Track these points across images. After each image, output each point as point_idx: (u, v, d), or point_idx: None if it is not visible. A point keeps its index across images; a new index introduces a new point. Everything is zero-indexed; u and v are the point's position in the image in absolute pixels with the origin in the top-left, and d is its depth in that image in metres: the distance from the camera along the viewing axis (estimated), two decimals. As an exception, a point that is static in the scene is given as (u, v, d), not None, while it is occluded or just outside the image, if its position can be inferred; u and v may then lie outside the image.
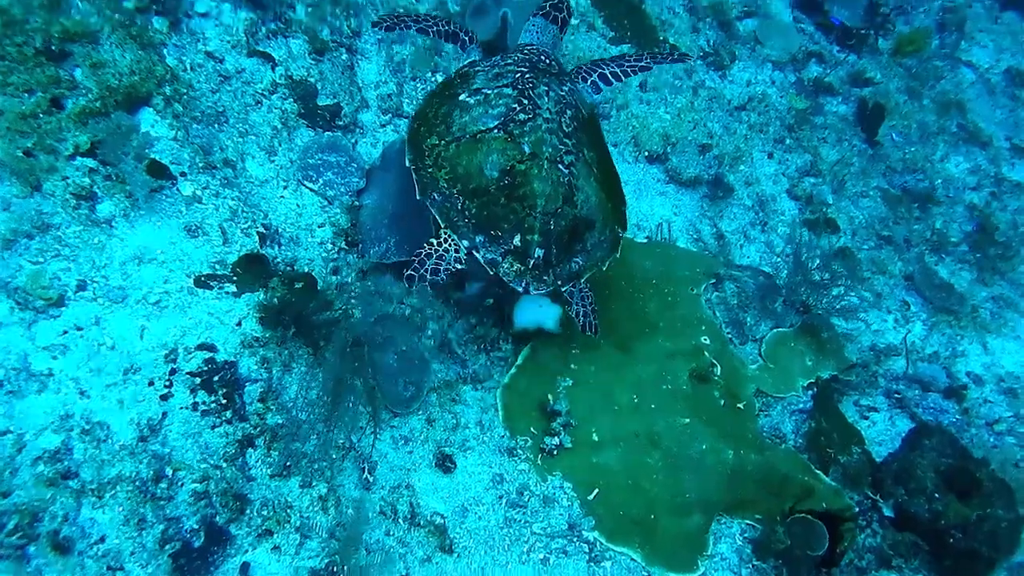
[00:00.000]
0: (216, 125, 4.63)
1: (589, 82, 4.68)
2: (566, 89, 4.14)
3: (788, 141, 7.10)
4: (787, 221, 6.65)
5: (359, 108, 5.38)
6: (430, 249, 3.78)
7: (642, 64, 4.84)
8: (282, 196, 4.69)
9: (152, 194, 4.07)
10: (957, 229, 7.12)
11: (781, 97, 7.39)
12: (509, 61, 4.24)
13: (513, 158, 3.71)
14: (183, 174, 4.28)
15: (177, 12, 4.77)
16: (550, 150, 3.76)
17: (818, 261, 5.66)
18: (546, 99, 3.93)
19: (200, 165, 4.37)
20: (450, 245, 3.78)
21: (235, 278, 4.08)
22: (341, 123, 5.22)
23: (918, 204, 7.14)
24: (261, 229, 4.39)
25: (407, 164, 3.95)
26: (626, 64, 4.79)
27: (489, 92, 3.93)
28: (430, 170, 3.81)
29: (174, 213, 4.15)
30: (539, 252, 3.71)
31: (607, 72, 4.73)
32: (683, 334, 5.08)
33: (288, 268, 4.43)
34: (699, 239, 6.22)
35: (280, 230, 4.56)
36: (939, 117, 8.07)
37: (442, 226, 3.78)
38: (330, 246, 4.71)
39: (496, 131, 3.76)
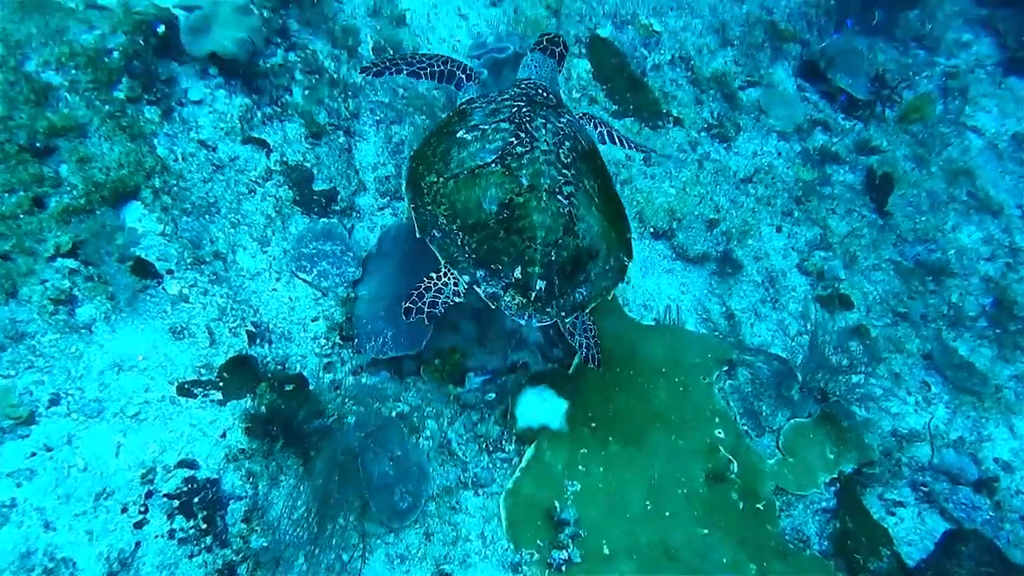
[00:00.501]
0: (207, 216, 4.43)
1: (596, 132, 4.78)
2: (564, 120, 4.08)
3: (796, 213, 6.91)
4: (799, 298, 6.41)
5: (356, 191, 5.19)
6: (429, 283, 3.66)
7: (634, 145, 5.05)
8: (274, 289, 4.46)
9: (136, 295, 3.84)
10: (974, 303, 6.87)
11: (788, 168, 7.23)
12: (506, 96, 4.19)
13: (511, 191, 3.64)
14: (170, 271, 4.05)
15: (170, 100, 4.61)
16: (548, 181, 3.68)
17: (834, 344, 5.40)
18: (543, 131, 3.88)
19: (188, 261, 4.15)
20: (449, 279, 3.69)
21: (221, 384, 3.82)
22: (338, 208, 5.03)
23: (932, 277, 6.91)
24: (251, 327, 4.15)
25: (406, 203, 3.88)
26: (624, 139, 4.96)
27: (486, 127, 3.88)
28: (429, 207, 3.73)
29: (158, 314, 3.91)
30: (541, 284, 3.61)
31: (614, 134, 4.89)
32: (697, 428, 4.79)
33: (279, 368, 4.18)
34: (708, 319, 5.97)
35: (271, 327, 4.31)
36: (948, 185, 7.90)
37: (442, 262, 3.69)
38: (324, 341, 4.46)
39: (493, 165, 3.70)
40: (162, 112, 4.51)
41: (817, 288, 6.51)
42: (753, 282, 6.35)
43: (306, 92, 5.29)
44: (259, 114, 4.98)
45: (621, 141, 4.88)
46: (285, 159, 4.93)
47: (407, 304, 3.60)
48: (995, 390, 6.15)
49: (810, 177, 7.15)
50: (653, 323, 5.68)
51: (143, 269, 3.91)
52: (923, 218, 7.44)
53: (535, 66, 4.70)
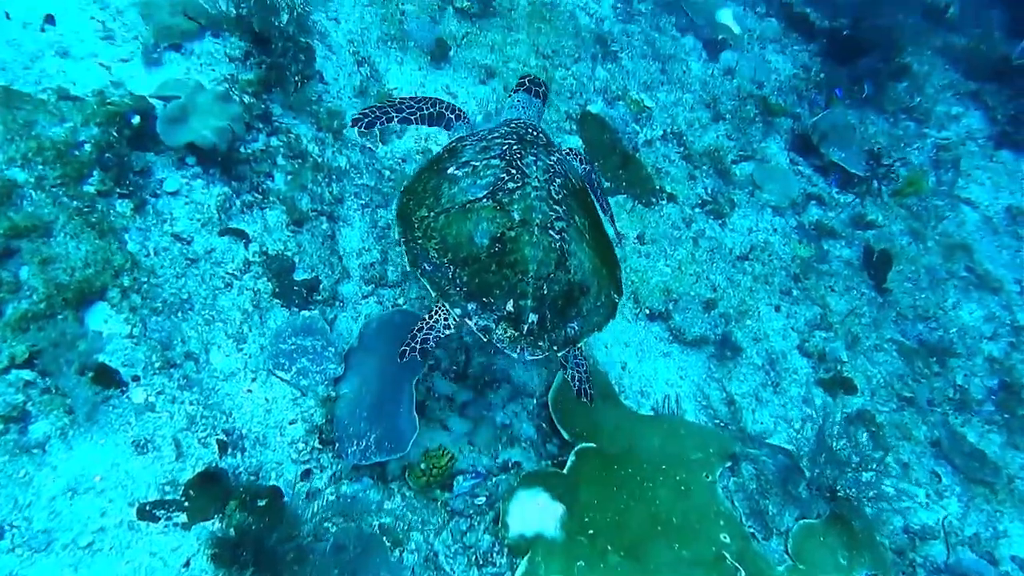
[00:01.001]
0: (179, 314, 4.17)
1: (583, 168, 4.68)
2: (554, 159, 4.07)
3: (795, 292, 6.71)
4: (801, 381, 6.16)
5: (340, 280, 4.96)
6: (421, 324, 3.67)
7: (606, 207, 4.82)
8: (249, 390, 4.18)
9: (97, 407, 3.56)
10: (980, 385, 6.64)
11: (784, 245, 7.07)
12: (496, 134, 4.18)
13: (503, 225, 3.61)
14: (136, 378, 3.78)
15: (144, 192, 4.41)
16: (540, 216, 3.65)
17: (844, 440, 5.14)
18: (534, 168, 3.87)
19: (156, 365, 3.87)
20: (439, 315, 3.67)
21: (186, 503, 3.51)
22: (320, 298, 4.79)
23: (936, 358, 6.69)
24: (222, 436, 3.86)
25: (396, 237, 3.86)
26: (602, 194, 4.80)
27: (477, 164, 3.87)
28: (420, 241, 3.69)
29: (121, 426, 3.62)
30: (533, 317, 3.55)
31: (590, 175, 4.72)
32: (700, 534, 4.47)
33: (252, 478, 3.87)
34: (708, 405, 5.71)
35: (245, 432, 4.02)
36: (946, 260, 7.76)
37: (433, 295, 3.64)
38: (302, 446, 4.16)
39: (485, 200, 3.67)
40: (135, 205, 4.30)
41: (819, 371, 6.28)
42: (753, 365, 6.11)
43: (288, 178, 5.11)
44: (238, 202, 4.77)
45: (596, 192, 4.71)
46: (265, 249, 4.71)
47: (401, 348, 3.60)
48: (1008, 481, 5.87)
49: (807, 254, 6.99)
50: (652, 412, 5.40)
51: (106, 377, 3.63)
52: (923, 295, 7.26)
53: (522, 107, 4.71)
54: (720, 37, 8.72)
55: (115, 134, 4.35)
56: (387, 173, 5.62)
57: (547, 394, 5.00)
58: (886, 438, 5.90)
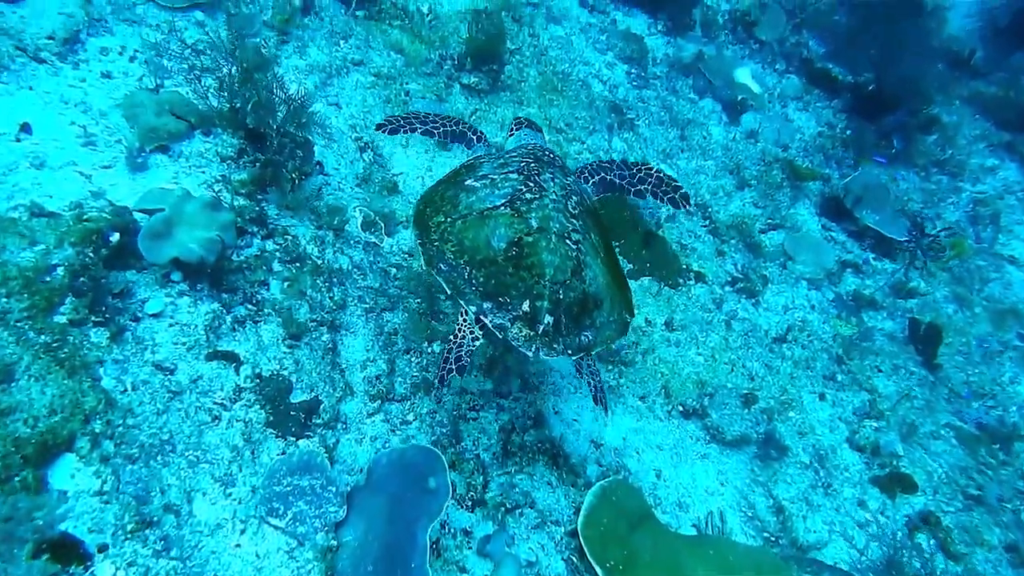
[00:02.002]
0: (159, 458, 3.67)
1: (590, 183, 4.64)
2: (570, 180, 4.16)
3: (840, 376, 6.12)
4: (854, 480, 5.54)
5: (342, 398, 4.45)
6: (450, 346, 3.67)
7: (640, 188, 4.69)
8: (237, 545, 3.65)
9: (55, 590, 3.02)
10: (1052, 474, 5.97)
11: (824, 322, 6.50)
12: (514, 154, 4.28)
13: (520, 231, 3.66)
14: (103, 548, 3.26)
15: (123, 317, 3.95)
16: (557, 226, 3.72)
17: (909, 552, 4.50)
18: (552, 184, 3.95)
19: (129, 527, 3.36)
20: (464, 330, 3.70)
21: None
22: (320, 421, 4.28)
23: (999, 444, 6.03)
24: (204, 609, 3.30)
25: (413, 239, 4.08)
26: (627, 178, 4.69)
27: (495, 177, 3.95)
28: (436, 243, 3.73)
29: (83, 613, 3.09)
30: (549, 319, 3.55)
31: (608, 178, 4.68)
32: None
33: (239, 657, 3.30)
34: (754, 516, 5.09)
35: (232, 598, 3.47)
36: (996, 328, 7.14)
37: (448, 292, 3.65)
38: (298, 608, 3.60)
39: (503, 208, 3.74)
40: (111, 334, 3.84)
41: (873, 466, 5.64)
42: (800, 464, 5.50)
43: (285, 285, 4.65)
44: (229, 319, 4.30)
45: (629, 187, 4.70)
46: (258, 371, 4.22)
47: (437, 377, 3.64)
48: (1099, 592, 5.17)
49: (849, 332, 6.41)
50: (693, 531, 4.79)
51: (67, 552, 3.12)
52: (976, 370, 6.64)
53: (528, 137, 4.84)
54: (740, 98, 8.30)
55: (91, 255, 3.92)
56: (393, 271, 5.15)
57: (576, 519, 4.43)
58: (955, 546, 5.23)
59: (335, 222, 5.17)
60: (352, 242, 5.20)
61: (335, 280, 4.87)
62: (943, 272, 7.57)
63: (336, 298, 4.79)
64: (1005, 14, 11.67)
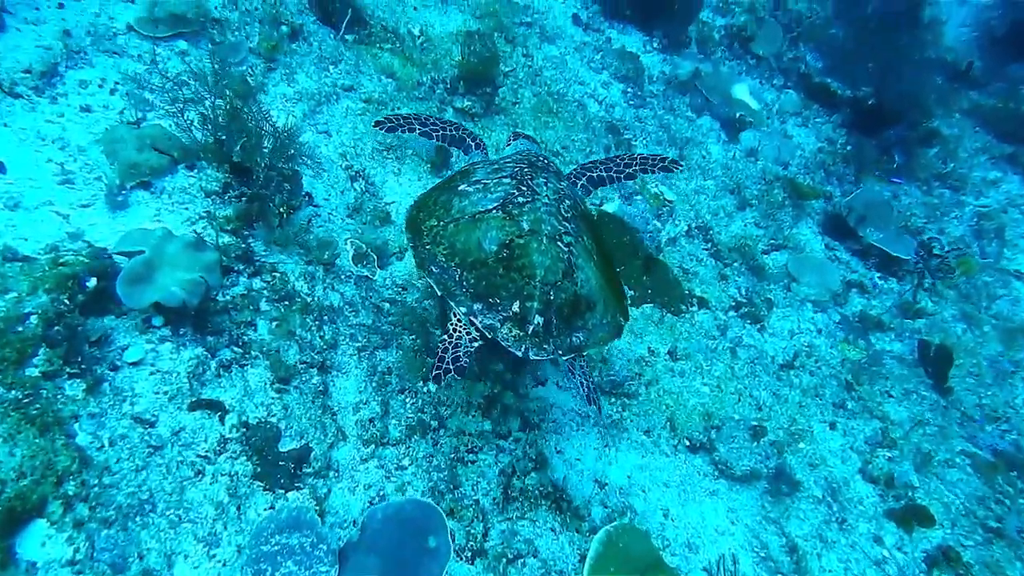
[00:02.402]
0: (137, 520, 3.44)
1: (579, 186, 4.62)
2: (564, 184, 4.13)
3: (850, 404, 5.90)
4: (868, 514, 5.30)
5: (334, 444, 4.23)
6: (445, 345, 3.62)
7: (630, 171, 4.71)
8: (222, 612, 3.40)
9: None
10: (1072, 502, 5.74)
11: (831, 347, 6.28)
12: (508, 160, 4.27)
13: (512, 233, 3.65)
14: (76, 624, 3.01)
15: (100, 366, 3.73)
16: (549, 228, 3.70)
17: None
18: (545, 188, 3.93)
19: (104, 599, 3.12)
20: (460, 330, 3.68)
21: None
22: (310, 470, 4.05)
23: (1016, 471, 5.81)
24: None
25: (405, 243, 3.98)
26: (613, 168, 4.70)
27: (488, 182, 3.94)
28: (428, 246, 3.75)
29: None
30: (539, 319, 3.55)
31: (595, 175, 4.68)
32: None
33: None
34: (767, 556, 4.86)
35: (216, 671, 3.23)
36: (1007, 347, 6.93)
37: (439, 294, 3.69)
38: (288, 677, 3.35)
39: (495, 211, 3.73)
40: (88, 385, 3.62)
41: (888, 499, 5.41)
42: (813, 498, 5.27)
43: (273, 325, 4.43)
44: (213, 364, 4.08)
45: (618, 175, 4.72)
46: (245, 419, 3.99)
47: (433, 375, 3.53)
48: None
49: (857, 356, 6.19)
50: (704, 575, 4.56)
51: (36, 632, 2.87)
52: (988, 392, 6.43)
53: (524, 146, 4.80)
54: (738, 115, 8.12)
55: (67, 302, 3.71)
56: (387, 307, 4.93)
57: (582, 568, 4.19)
58: (976, 582, 5.00)
59: (325, 256, 4.96)
60: (343, 277, 4.98)
61: (326, 318, 4.65)
62: (950, 290, 7.37)
63: (327, 337, 4.57)
64: (1002, 24, 11.54)
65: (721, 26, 9.28)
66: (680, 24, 8.52)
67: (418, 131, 4.66)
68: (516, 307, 3.56)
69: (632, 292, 5.97)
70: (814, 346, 6.22)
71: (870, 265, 7.39)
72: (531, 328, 3.55)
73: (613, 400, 5.33)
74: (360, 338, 4.69)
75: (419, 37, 7.22)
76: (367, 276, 5.15)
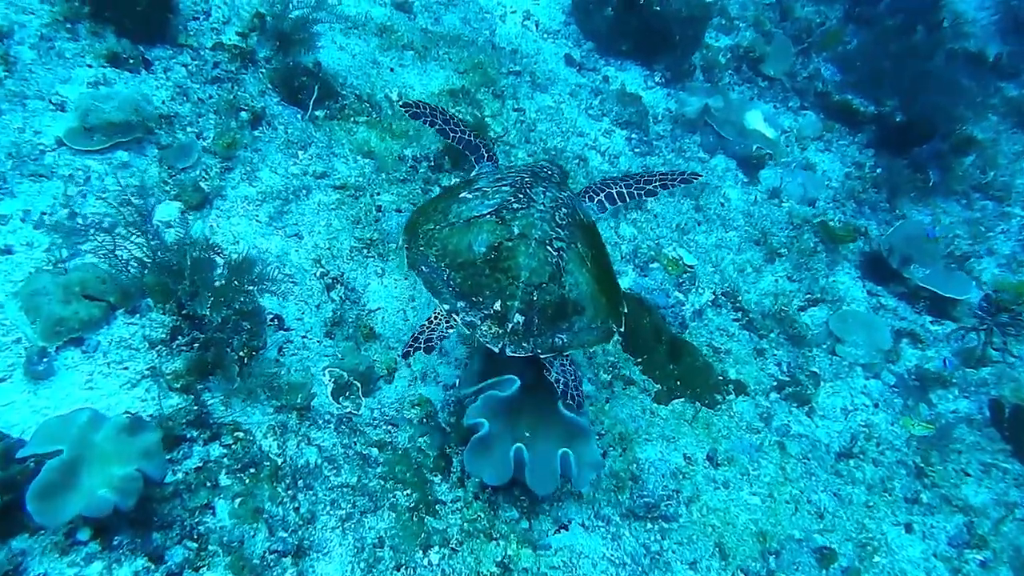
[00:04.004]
0: None
1: (596, 201, 4.46)
2: (565, 195, 4.09)
3: (924, 496, 4.94)
4: (965, 642, 4.31)
5: (317, 653, 3.33)
6: (423, 328, 3.70)
7: (650, 187, 4.54)
8: None
9: None
10: None
11: (892, 424, 5.30)
12: (514, 170, 4.29)
13: (501, 236, 3.70)
14: None
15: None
16: (540, 233, 3.72)
17: None
18: (542, 196, 3.93)
19: None
20: (439, 319, 3.72)
21: None
22: None
23: None
24: None
25: (400, 244, 4.23)
26: (634, 185, 4.53)
27: (488, 189, 3.97)
28: (421, 248, 3.83)
29: None
30: (519, 318, 3.59)
31: (614, 192, 4.49)
32: None
33: None
34: None
35: None
36: (1090, 393, 5.86)
37: (426, 292, 3.86)
38: None
39: (489, 216, 3.77)
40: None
41: (985, 617, 4.42)
42: (897, 629, 4.29)
43: (237, 504, 3.57)
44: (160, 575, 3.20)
45: (638, 192, 4.52)
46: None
47: (404, 350, 3.65)
48: None
49: (923, 432, 5.20)
50: None
51: None
52: (1079, 456, 5.37)
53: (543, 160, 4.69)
54: (755, 148, 7.14)
55: (-40, 536, 2.83)
56: (374, 453, 4.06)
57: None
58: None
59: (299, 400, 4.09)
60: (322, 422, 4.11)
61: (301, 483, 3.78)
62: (1008, 330, 6.32)
63: (303, 510, 3.70)
64: (1024, 4, 10.42)
65: (727, 47, 8.30)
66: (684, 53, 7.56)
67: (438, 127, 4.65)
68: (498, 305, 3.59)
69: (659, 386, 5.03)
70: (873, 425, 5.25)
71: (920, 309, 6.39)
72: (510, 326, 3.57)
73: (649, 526, 4.40)
74: (344, 504, 3.81)
75: (398, 102, 6.33)
76: (350, 413, 4.27)
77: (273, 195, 5.16)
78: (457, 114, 5.67)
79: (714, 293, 5.75)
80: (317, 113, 5.90)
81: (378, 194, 5.50)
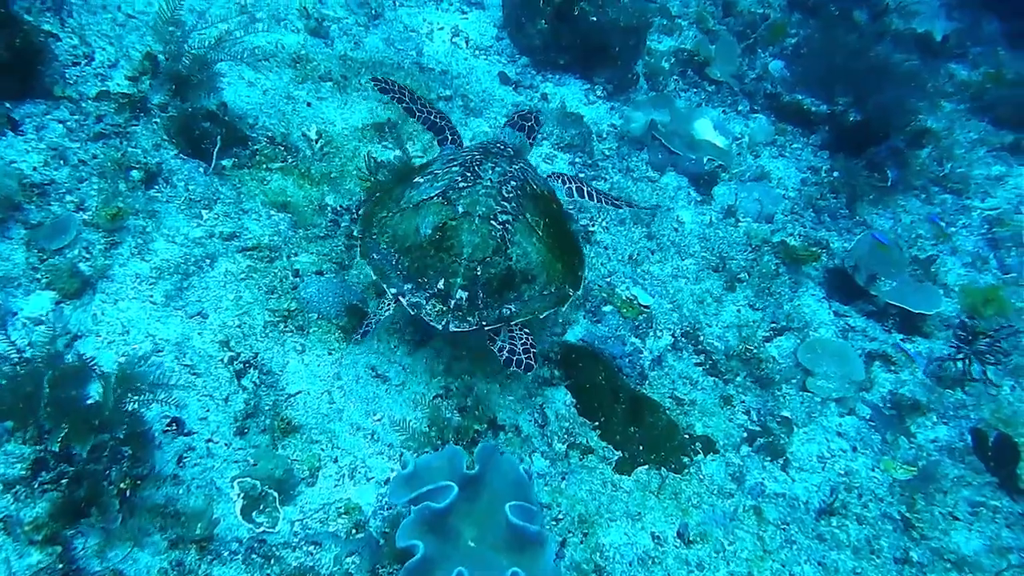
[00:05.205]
0: None
1: (565, 188, 4.56)
2: (516, 167, 4.06)
3: (914, 553, 4.42)
4: None
5: None
6: (374, 313, 3.80)
7: (615, 202, 4.74)
8: None
9: None
10: None
11: (873, 469, 4.75)
12: (466, 150, 4.27)
13: (446, 216, 3.69)
14: None
15: None
16: (484, 209, 3.71)
17: None
18: (490, 172, 3.92)
19: None
20: (385, 301, 3.80)
21: None
22: None
23: None
24: None
25: (355, 234, 4.48)
26: (600, 195, 4.67)
27: (439, 171, 3.98)
28: (374, 236, 3.85)
29: None
30: (462, 294, 3.60)
31: (586, 190, 4.61)
32: None
33: None
34: None
35: None
36: (1070, 405, 5.39)
37: (375, 279, 3.83)
38: None
39: (436, 198, 3.77)
40: None
41: None
42: None
43: None
44: None
45: (592, 195, 4.63)
46: None
47: (361, 332, 3.73)
48: None
49: (906, 476, 4.68)
50: None
51: None
52: (1067, 483, 4.89)
53: (506, 138, 4.62)
54: (705, 161, 6.52)
55: None
56: (291, 587, 3.34)
57: None
58: None
59: (198, 531, 3.37)
60: (227, 554, 3.41)
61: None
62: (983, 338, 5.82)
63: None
64: (971, -24, 9.95)
65: (670, 52, 7.63)
66: (624, 66, 6.86)
67: (404, 104, 4.71)
68: (441, 284, 3.60)
69: (621, 453, 4.40)
70: (853, 472, 4.71)
71: (889, 326, 5.86)
72: (453, 303, 3.58)
73: (618, 625, 3.79)
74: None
75: (317, 141, 5.56)
76: (264, 533, 3.56)
77: (171, 269, 4.39)
78: (375, 167, 5.02)
79: (673, 335, 5.12)
80: (223, 163, 5.12)
81: (295, 255, 4.75)
